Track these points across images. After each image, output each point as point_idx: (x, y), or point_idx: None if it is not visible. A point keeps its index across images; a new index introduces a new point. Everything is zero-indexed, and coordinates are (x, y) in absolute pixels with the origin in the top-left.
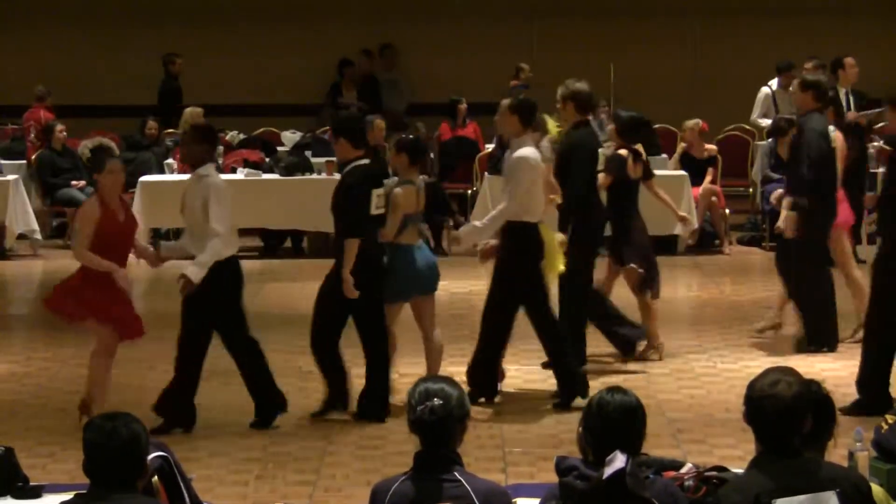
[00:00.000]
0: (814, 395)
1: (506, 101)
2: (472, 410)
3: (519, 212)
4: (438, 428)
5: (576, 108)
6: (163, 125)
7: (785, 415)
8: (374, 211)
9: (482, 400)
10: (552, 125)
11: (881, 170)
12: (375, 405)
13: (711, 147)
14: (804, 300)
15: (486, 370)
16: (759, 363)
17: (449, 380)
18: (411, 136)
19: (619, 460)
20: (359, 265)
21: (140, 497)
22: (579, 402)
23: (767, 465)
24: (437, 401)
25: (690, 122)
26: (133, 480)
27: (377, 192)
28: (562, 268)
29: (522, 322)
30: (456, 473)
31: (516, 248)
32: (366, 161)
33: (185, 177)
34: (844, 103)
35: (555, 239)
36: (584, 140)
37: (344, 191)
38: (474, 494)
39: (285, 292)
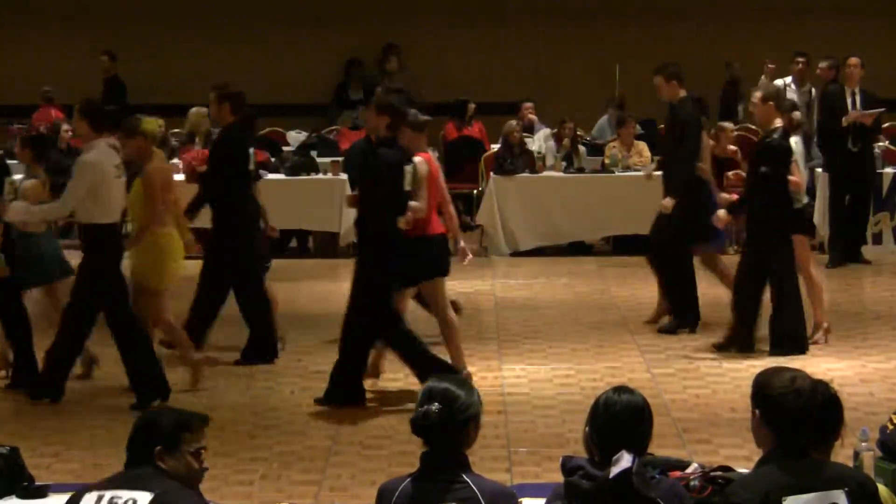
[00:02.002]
0: (823, 395)
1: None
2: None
3: (82, 213)
4: (437, 431)
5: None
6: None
7: (808, 410)
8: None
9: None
10: (151, 123)
11: (887, 170)
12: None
13: (733, 148)
14: (669, 283)
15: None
16: (763, 363)
17: (458, 380)
18: (35, 133)
19: (625, 460)
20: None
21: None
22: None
23: (777, 464)
24: (436, 405)
25: (728, 125)
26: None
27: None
28: (176, 274)
29: (522, 322)
30: (463, 475)
31: (90, 249)
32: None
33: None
34: (850, 103)
35: (181, 244)
36: None
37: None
38: (481, 496)
39: (291, 292)
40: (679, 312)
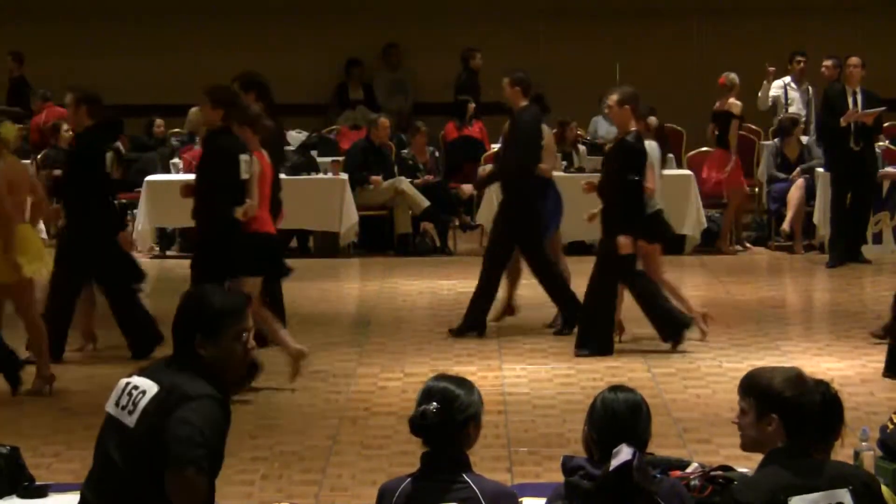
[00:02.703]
0: (824, 395)
1: None
2: None
3: None
4: (435, 431)
5: None
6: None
7: (828, 406)
8: None
9: None
10: (9, 130)
11: (889, 169)
12: None
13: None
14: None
15: None
16: (764, 362)
17: (458, 379)
18: None
19: (625, 452)
20: None
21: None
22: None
23: (781, 464)
24: (434, 405)
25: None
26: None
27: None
28: (47, 269)
29: (523, 321)
30: (463, 475)
31: None
32: None
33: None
34: (851, 103)
35: (38, 239)
36: None
37: None
38: (481, 496)
39: (291, 291)
40: (567, 311)
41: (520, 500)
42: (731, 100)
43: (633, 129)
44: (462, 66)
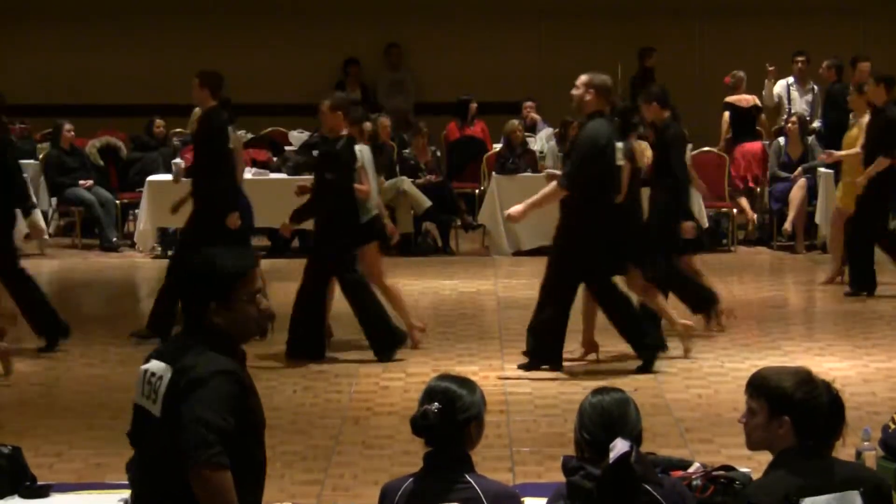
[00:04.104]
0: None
1: None
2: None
3: None
4: (437, 432)
5: None
6: None
7: (832, 406)
8: None
9: None
10: None
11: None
12: None
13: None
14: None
15: None
16: (766, 362)
17: (461, 379)
18: None
19: (621, 444)
20: None
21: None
22: None
23: (793, 465)
24: (435, 405)
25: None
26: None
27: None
28: None
29: (525, 321)
30: (466, 475)
31: None
32: None
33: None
34: None
35: None
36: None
37: None
38: (484, 496)
39: (293, 291)
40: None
41: (522, 500)
42: (748, 95)
43: (344, 133)
44: (638, 64)
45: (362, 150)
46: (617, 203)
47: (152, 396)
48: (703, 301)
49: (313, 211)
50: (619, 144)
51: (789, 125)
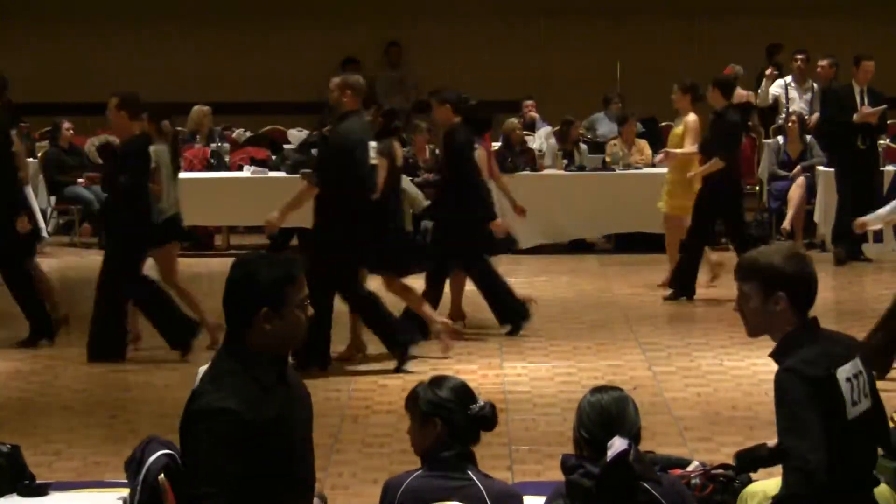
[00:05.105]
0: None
1: None
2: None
3: None
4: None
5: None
6: None
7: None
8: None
9: None
10: None
11: (889, 167)
12: None
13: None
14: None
15: None
16: (765, 361)
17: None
18: None
19: (619, 443)
20: None
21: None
22: None
23: (812, 340)
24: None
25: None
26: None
27: None
28: None
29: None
30: (469, 472)
31: None
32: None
33: (192, 174)
34: (859, 101)
35: None
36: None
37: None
38: (486, 495)
39: None
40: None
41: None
42: (745, 91)
43: (136, 132)
44: (767, 60)
45: (157, 151)
46: (373, 201)
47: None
48: (510, 312)
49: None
50: (373, 143)
51: (789, 124)
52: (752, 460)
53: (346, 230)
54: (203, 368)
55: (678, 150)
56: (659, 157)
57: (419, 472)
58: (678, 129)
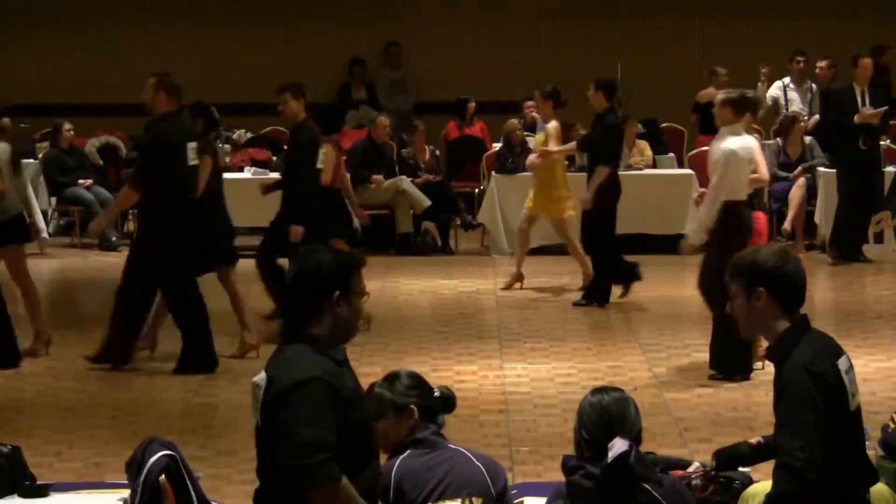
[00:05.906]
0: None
1: None
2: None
3: None
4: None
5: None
6: None
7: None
8: None
9: None
10: None
11: (889, 168)
12: None
13: None
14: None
15: None
16: (765, 361)
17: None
18: None
19: (620, 444)
20: None
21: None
22: None
23: (808, 337)
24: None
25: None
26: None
27: None
28: None
29: (524, 321)
30: (450, 445)
31: None
32: None
33: None
34: (860, 101)
35: None
36: None
37: None
38: (475, 458)
39: None
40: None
41: (521, 499)
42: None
43: None
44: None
45: (3, 148)
46: (195, 200)
47: (256, 406)
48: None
49: None
50: (192, 144)
51: (794, 126)
52: (730, 458)
53: (165, 231)
54: (259, 376)
55: (555, 149)
56: (532, 157)
57: (405, 455)
58: (540, 137)
